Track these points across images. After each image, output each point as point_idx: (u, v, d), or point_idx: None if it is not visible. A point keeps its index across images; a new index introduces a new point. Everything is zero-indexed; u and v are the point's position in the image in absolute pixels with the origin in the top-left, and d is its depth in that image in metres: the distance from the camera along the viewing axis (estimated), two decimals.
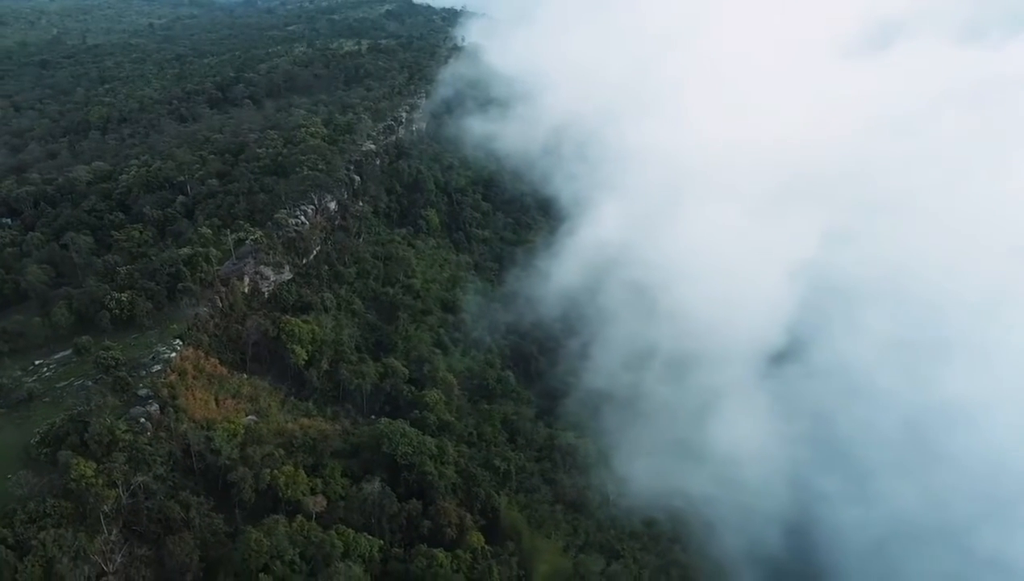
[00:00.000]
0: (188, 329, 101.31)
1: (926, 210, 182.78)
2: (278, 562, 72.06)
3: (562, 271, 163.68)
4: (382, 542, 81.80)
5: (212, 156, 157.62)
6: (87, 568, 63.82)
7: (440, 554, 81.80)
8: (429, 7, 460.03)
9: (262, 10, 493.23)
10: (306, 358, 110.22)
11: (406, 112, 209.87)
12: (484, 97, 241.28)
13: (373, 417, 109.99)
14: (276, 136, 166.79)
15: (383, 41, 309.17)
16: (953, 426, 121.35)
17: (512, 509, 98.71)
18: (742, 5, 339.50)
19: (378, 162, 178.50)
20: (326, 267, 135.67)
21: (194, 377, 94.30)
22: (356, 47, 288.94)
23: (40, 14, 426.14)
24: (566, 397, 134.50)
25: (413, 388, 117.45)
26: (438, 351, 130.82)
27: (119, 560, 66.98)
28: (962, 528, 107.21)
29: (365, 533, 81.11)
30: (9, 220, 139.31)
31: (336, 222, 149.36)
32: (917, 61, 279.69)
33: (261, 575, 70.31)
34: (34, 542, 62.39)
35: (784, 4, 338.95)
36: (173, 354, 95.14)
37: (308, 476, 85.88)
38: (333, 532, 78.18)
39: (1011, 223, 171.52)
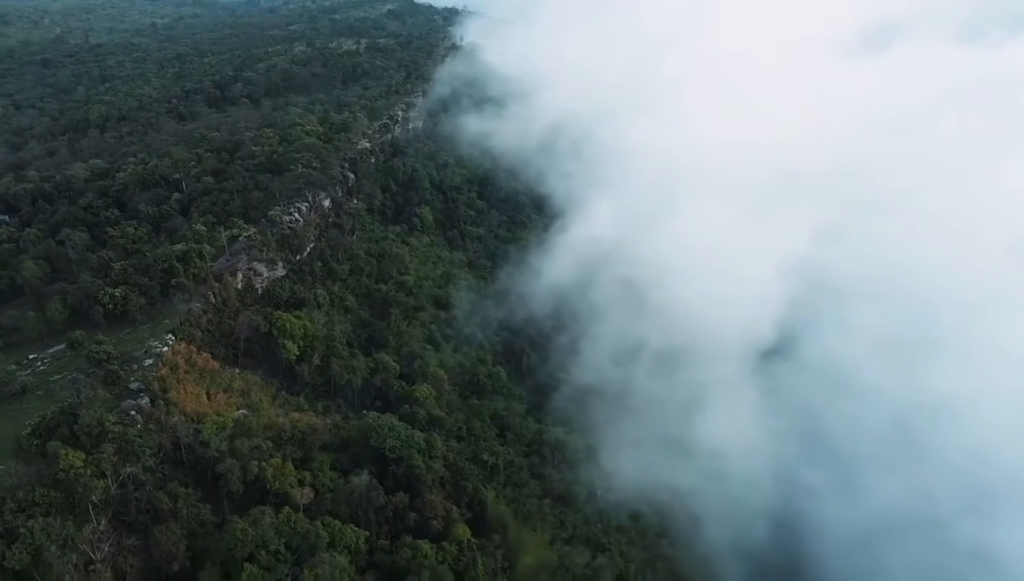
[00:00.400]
0: (181, 324, 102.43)
1: (920, 209, 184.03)
2: (263, 552, 72.78)
3: (555, 268, 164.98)
4: (368, 534, 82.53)
5: (208, 154, 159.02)
6: (75, 556, 64.90)
7: (425, 546, 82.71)
8: (431, 7, 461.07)
9: (264, 9, 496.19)
10: (297, 353, 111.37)
11: (402, 111, 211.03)
12: (481, 96, 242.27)
13: (364, 412, 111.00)
14: (272, 134, 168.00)
15: (382, 40, 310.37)
16: (939, 422, 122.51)
17: (499, 503, 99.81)
18: (741, 5, 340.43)
19: (373, 160, 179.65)
20: (319, 264, 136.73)
21: (186, 371, 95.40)
22: (355, 46, 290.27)
23: (43, 13, 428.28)
24: (556, 392, 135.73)
25: (404, 383, 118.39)
26: (430, 347, 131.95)
27: (107, 549, 67.92)
28: (945, 521, 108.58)
29: (352, 525, 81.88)
30: (7, 217, 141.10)
31: (330, 219, 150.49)
32: (916, 61, 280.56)
33: (246, 564, 71.09)
34: (22, 530, 63.22)
35: (783, 4, 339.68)
36: (165, 348, 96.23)
37: (297, 469, 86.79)
38: (319, 523, 79.03)
39: (1004, 222, 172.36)
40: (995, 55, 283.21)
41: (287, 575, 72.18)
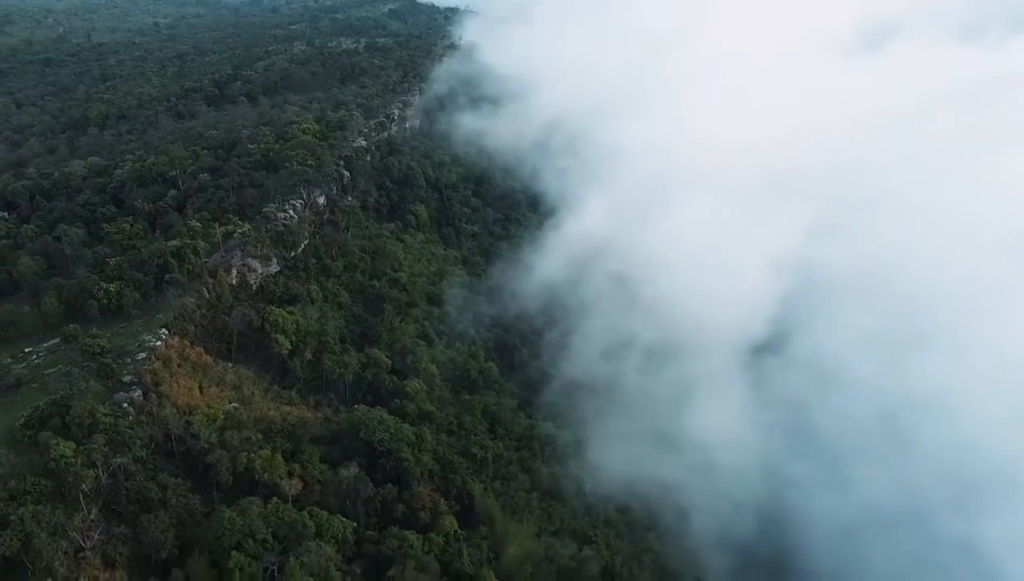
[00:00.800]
0: (174, 319, 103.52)
1: (913, 207, 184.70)
2: (251, 540, 73.92)
3: (547, 264, 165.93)
4: (355, 524, 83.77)
5: (205, 151, 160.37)
6: (65, 543, 65.70)
7: (412, 536, 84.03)
8: (432, 6, 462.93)
9: (267, 9, 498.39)
10: (290, 348, 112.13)
11: (399, 109, 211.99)
12: (478, 94, 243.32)
13: (355, 406, 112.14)
14: (268, 132, 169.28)
15: (381, 40, 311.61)
16: (926, 416, 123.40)
17: (487, 496, 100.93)
18: (739, 4, 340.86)
19: (369, 158, 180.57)
20: (314, 260, 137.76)
21: (179, 365, 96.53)
22: (354, 45, 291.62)
23: (47, 13, 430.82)
24: (547, 387, 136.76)
25: (395, 378, 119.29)
26: (422, 343, 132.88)
27: (97, 537, 68.83)
28: (931, 514, 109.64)
29: (339, 516, 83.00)
30: (5, 213, 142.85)
31: (325, 216, 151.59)
32: (914, 60, 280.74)
33: (233, 553, 72.29)
34: (13, 517, 64.22)
35: (781, 3, 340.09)
36: (158, 343, 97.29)
37: (286, 461, 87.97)
38: (306, 513, 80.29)
39: (997, 221, 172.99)
40: (994, 55, 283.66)
41: (274, 563, 73.37)
